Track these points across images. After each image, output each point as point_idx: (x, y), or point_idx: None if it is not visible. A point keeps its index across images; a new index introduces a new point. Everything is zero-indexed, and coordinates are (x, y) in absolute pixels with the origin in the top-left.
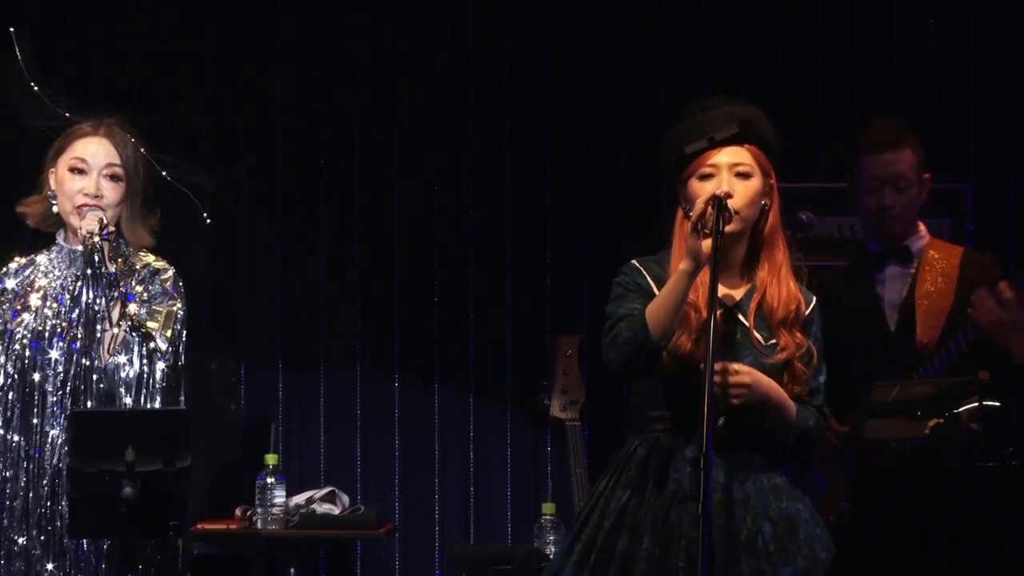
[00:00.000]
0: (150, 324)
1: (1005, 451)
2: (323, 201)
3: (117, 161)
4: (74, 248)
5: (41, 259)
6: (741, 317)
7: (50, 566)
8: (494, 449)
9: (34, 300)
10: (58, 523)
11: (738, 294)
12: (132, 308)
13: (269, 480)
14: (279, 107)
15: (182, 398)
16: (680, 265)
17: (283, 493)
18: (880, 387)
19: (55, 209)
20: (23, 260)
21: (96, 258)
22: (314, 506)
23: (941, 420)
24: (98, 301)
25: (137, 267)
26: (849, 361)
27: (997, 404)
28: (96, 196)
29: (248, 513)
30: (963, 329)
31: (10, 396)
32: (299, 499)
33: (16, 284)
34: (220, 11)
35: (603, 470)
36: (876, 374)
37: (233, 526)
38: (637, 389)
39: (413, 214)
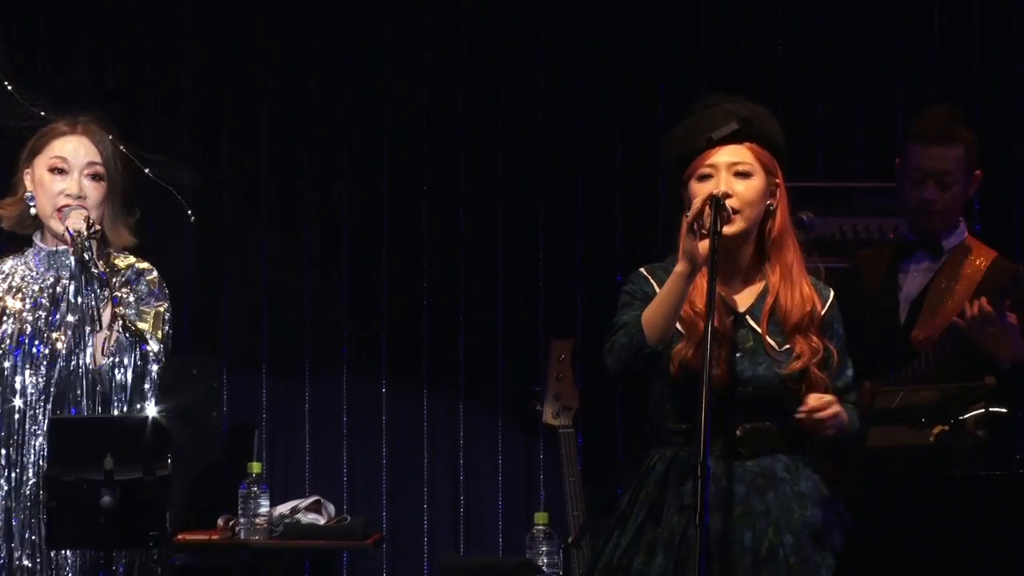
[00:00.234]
0: (140, 325)
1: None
2: (309, 200)
3: (98, 160)
4: (54, 249)
5: (14, 262)
6: (753, 323)
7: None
8: (485, 456)
9: (12, 303)
10: (41, 533)
11: (748, 299)
12: (119, 309)
13: (252, 489)
14: (265, 106)
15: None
16: (676, 267)
17: (267, 502)
18: (883, 393)
19: (32, 211)
20: None
21: (87, 256)
22: (299, 516)
23: (946, 427)
24: (89, 302)
25: (120, 267)
26: (855, 348)
27: (1004, 410)
28: (79, 196)
29: (231, 523)
30: (949, 332)
31: None
32: (283, 508)
33: None
34: (205, 7)
35: (626, 484)
36: (877, 366)
37: (215, 536)
38: (654, 402)
39: (402, 213)
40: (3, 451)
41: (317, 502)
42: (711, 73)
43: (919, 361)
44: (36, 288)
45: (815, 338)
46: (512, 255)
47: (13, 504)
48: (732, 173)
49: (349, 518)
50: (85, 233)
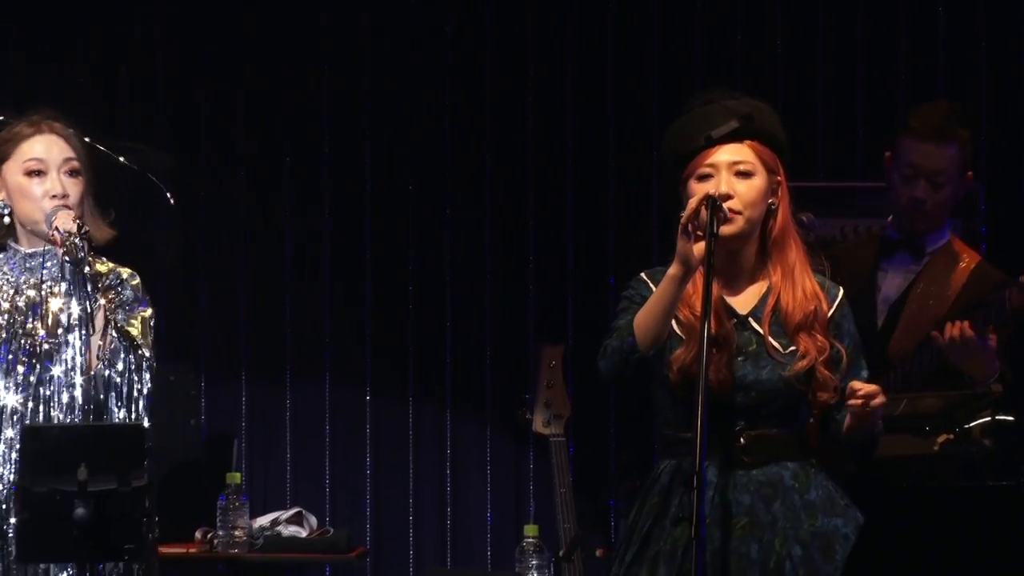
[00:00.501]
0: (131, 331)
1: (1021, 469)
2: (289, 200)
3: (72, 155)
4: (31, 252)
5: None
6: (755, 324)
7: None
8: (473, 467)
9: None
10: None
11: (750, 301)
12: (110, 313)
13: (231, 500)
14: (243, 105)
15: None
16: (669, 269)
17: (246, 514)
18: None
19: (7, 220)
20: None
21: (81, 256)
22: (280, 528)
23: (951, 436)
24: (85, 304)
25: (102, 272)
26: None
27: (1011, 419)
28: (64, 195)
29: (209, 536)
30: (928, 349)
31: None
32: (263, 520)
33: None
34: (178, 3)
35: (634, 497)
36: None
37: (193, 550)
38: (657, 411)
39: (386, 214)
40: None
41: (298, 514)
42: (707, 70)
43: (894, 375)
44: (11, 292)
45: (820, 336)
46: (501, 257)
47: None
48: (733, 173)
49: (332, 530)
50: (76, 233)
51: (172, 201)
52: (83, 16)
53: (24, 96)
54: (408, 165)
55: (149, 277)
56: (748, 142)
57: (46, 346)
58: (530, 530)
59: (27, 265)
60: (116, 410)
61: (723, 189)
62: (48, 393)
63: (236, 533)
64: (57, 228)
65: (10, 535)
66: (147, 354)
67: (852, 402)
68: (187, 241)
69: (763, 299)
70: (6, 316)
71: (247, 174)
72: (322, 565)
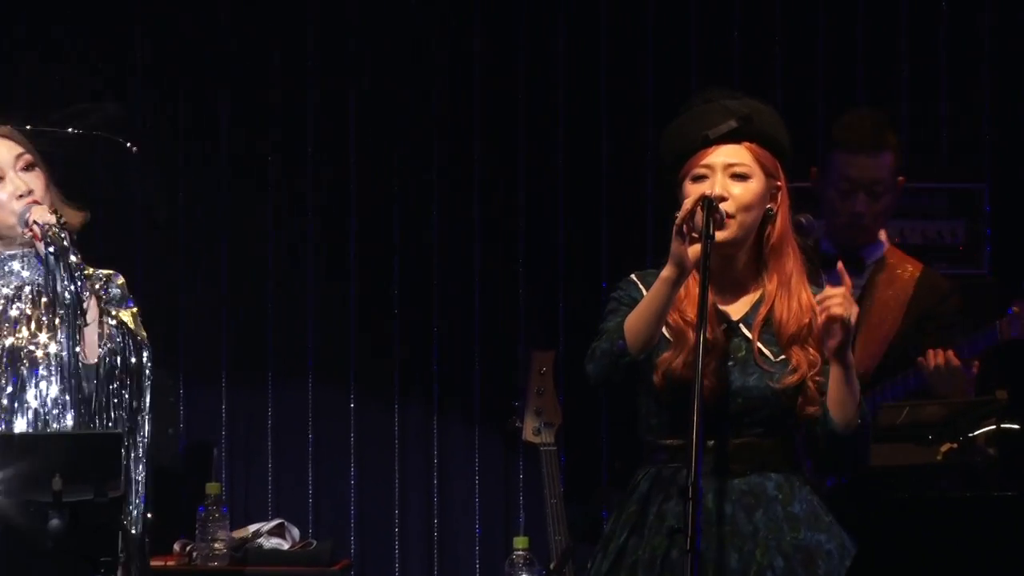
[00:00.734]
0: (125, 319)
1: None
2: (272, 199)
3: (21, 149)
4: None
5: None
6: (745, 331)
7: None
8: (461, 476)
9: None
10: None
11: (742, 308)
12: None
13: (211, 511)
14: (227, 104)
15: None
16: (663, 271)
17: (226, 526)
18: (887, 409)
19: None
20: None
21: (66, 243)
22: (261, 540)
23: (955, 445)
24: (77, 293)
25: (88, 274)
26: None
27: (1016, 427)
28: (29, 192)
29: (188, 548)
30: (915, 373)
31: None
32: (244, 532)
33: None
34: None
35: (615, 506)
36: None
37: (171, 563)
38: (640, 417)
39: (371, 214)
40: None
41: (280, 525)
42: (704, 70)
43: (872, 393)
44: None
45: (813, 351)
46: (490, 258)
47: None
48: (728, 175)
49: (315, 543)
50: (55, 224)
51: (134, 148)
52: (63, 8)
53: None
54: (394, 164)
55: (152, 213)
56: (746, 144)
57: (31, 347)
58: (520, 542)
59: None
60: (123, 397)
61: (716, 191)
62: (35, 398)
63: (216, 546)
64: (36, 222)
65: None
66: (145, 337)
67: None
68: (169, 227)
69: (755, 306)
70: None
71: (229, 174)
72: None
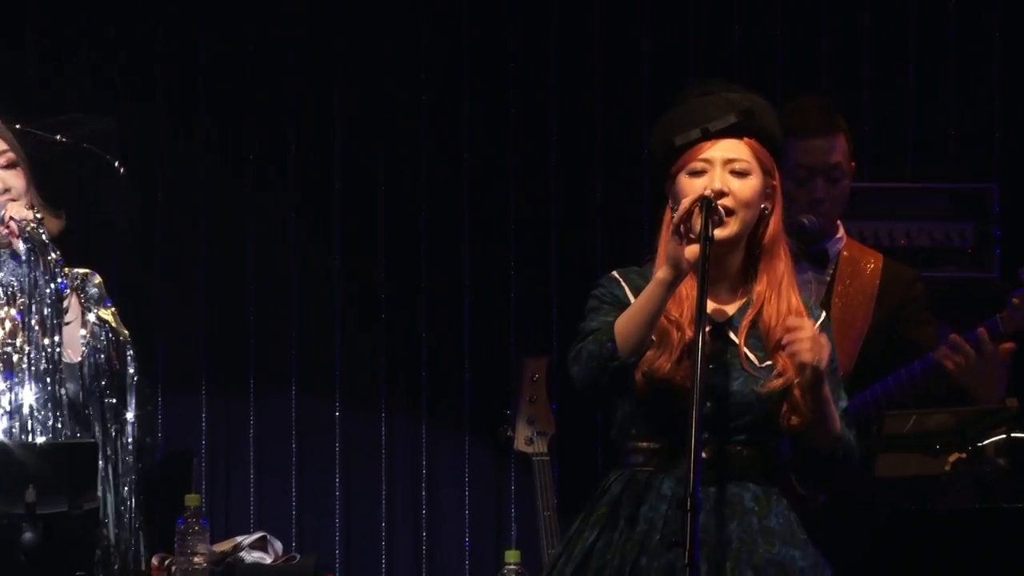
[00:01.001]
0: (106, 316)
1: None
2: (253, 199)
3: (5, 147)
4: None
5: None
6: (731, 333)
7: None
8: (450, 487)
9: None
10: None
11: (730, 310)
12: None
13: (190, 524)
14: (204, 105)
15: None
16: (658, 272)
17: (207, 539)
18: (893, 417)
19: None
20: None
21: (43, 240)
22: (243, 554)
23: (963, 455)
24: (54, 289)
25: (66, 272)
26: None
27: None
28: (5, 191)
29: (167, 563)
30: (924, 364)
31: None
32: (225, 546)
33: None
34: None
35: (580, 508)
36: None
37: None
38: (616, 419)
39: (356, 216)
40: None
41: (263, 539)
42: (702, 61)
43: (863, 394)
44: None
45: None
46: (480, 261)
47: None
48: (728, 171)
49: (299, 556)
50: (31, 220)
51: (120, 169)
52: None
53: None
54: (380, 164)
55: (125, 235)
56: (746, 140)
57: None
58: (511, 556)
59: None
60: (108, 397)
61: (716, 186)
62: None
63: (196, 560)
64: (12, 218)
65: None
66: (127, 336)
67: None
68: (142, 210)
69: (743, 309)
70: None
71: (207, 172)
72: None
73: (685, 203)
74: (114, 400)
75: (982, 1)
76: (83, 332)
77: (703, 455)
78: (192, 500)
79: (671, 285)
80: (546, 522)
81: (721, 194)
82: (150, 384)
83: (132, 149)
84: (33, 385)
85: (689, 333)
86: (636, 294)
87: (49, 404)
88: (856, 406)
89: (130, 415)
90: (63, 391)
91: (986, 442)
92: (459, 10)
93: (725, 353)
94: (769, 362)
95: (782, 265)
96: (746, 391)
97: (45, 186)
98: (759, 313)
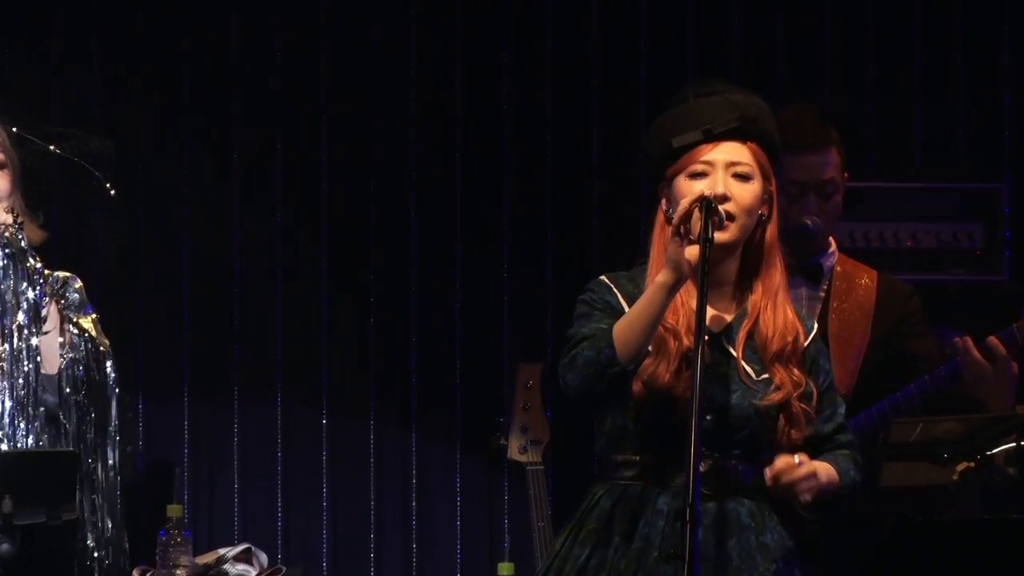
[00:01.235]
0: (85, 325)
1: None
2: (238, 199)
3: None
4: None
5: None
6: (728, 345)
7: None
8: (441, 498)
9: None
10: None
11: (727, 319)
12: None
13: (173, 535)
14: (186, 105)
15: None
16: (658, 276)
17: (189, 551)
18: (899, 425)
19: None
20: None
21: (22, 244)
22: (227, 566)
23: (972, 464)
24: (34, 296)
25: (46, 276)
26: None
27: None
28: None
29: (148, 575)
30: (933, 374)
31: None
32: (208, 558)
33: None
34: None
35: (563, 524)
36: None
37: None
38: (605, 430)
39: (344, 216)
40: None
41: (247, 550)
42: (700, 60)
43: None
44: None
45: (796, 371)
46: (473, 264)
47: None
48: (730, 174)
49: (284, 569)
50: (11, 224)
51: (112, 191)
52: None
53: None
54: (369, 163)
55: (106, 262)
56: (748, 143)
57: None
58: (505, 568)
59: None
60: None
61: (719, 190)
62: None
63: (178, 572)
64: None
65: None
66: (108, 345)
67: (767, 480)
68: (128, 235)
69: (739, 319)
70: None
71: (190, 175)
72: None
73: (683, 204)
74: (92, 412)
75: (991, 2)
76: (61, 340)
77: (700, 469)
78: (174, 511)
79: (672, 288)
80: (540, 533)
81: (724, 198)
82: (130, 391)
83: (116, 150)
84: (8, 396)
85: (687, 342)
86: (628, 300)
87: (27, 414)
88: (874, 415)
89: (111, 427)
90: (41, 402)
91: (996, 450)
92: (452, 6)
93: (723, 364)
94: (766, 375)
95: (778, 275)
96: (744, 404)
97: (31, 193)
98: (755, 324)
